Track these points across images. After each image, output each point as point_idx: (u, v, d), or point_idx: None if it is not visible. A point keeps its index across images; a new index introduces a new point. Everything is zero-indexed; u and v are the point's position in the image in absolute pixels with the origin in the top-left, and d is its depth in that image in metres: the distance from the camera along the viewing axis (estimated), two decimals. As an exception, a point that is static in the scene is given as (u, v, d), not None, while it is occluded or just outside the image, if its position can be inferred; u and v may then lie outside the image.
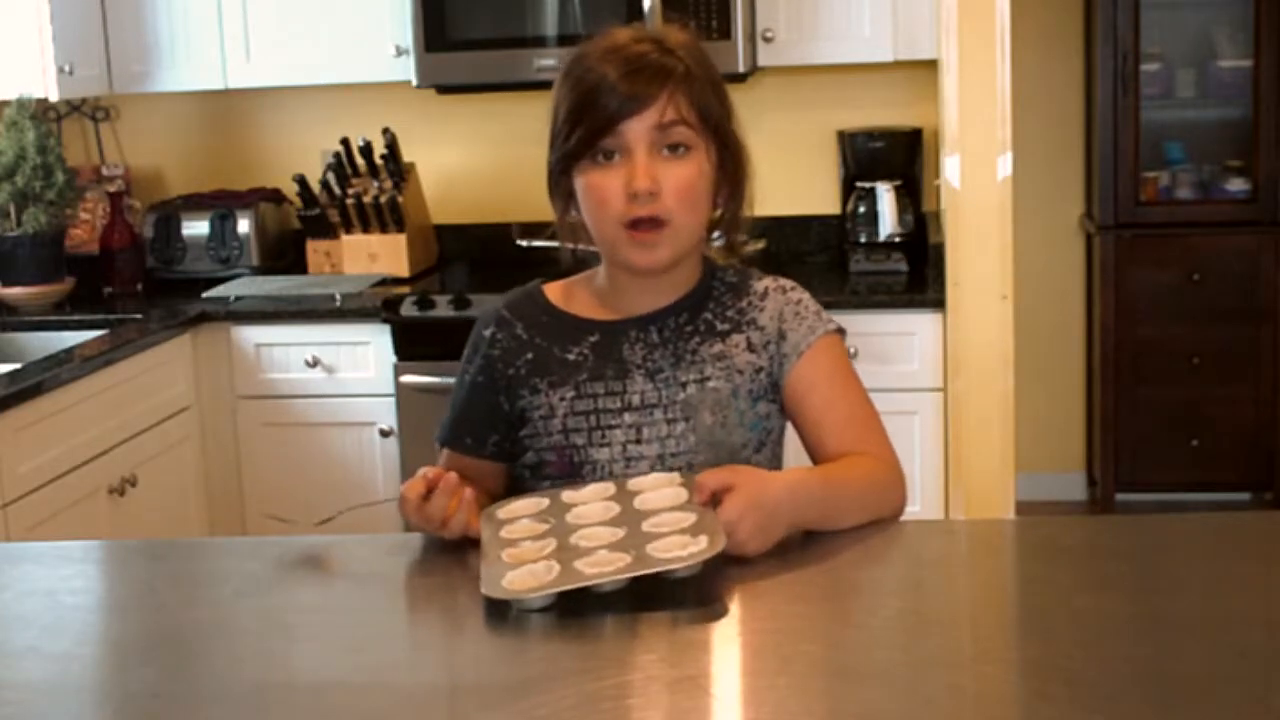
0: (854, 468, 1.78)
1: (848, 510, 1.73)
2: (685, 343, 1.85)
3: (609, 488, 1.73)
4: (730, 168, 1.84)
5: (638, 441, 1.81)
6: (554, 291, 1.93)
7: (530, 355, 1.87)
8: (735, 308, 1.87)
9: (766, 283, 1.91)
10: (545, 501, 1.72)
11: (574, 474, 1.82)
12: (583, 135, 1.76)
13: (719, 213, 1.87)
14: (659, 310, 1.86)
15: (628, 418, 1.82)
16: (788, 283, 1.92)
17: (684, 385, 1.82)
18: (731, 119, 1.84)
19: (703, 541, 1.54)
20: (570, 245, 1.89)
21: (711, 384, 1.83)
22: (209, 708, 1.37)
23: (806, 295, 1.91)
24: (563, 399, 1.83)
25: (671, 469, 1.80)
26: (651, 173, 1.75)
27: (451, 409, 1.94)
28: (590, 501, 1.69)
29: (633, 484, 1.73)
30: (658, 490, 1.69)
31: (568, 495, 1.73)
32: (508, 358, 1.87)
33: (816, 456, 1.84)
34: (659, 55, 1.77)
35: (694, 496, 1.64)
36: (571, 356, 1.85)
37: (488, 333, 1.90)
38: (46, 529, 3.07)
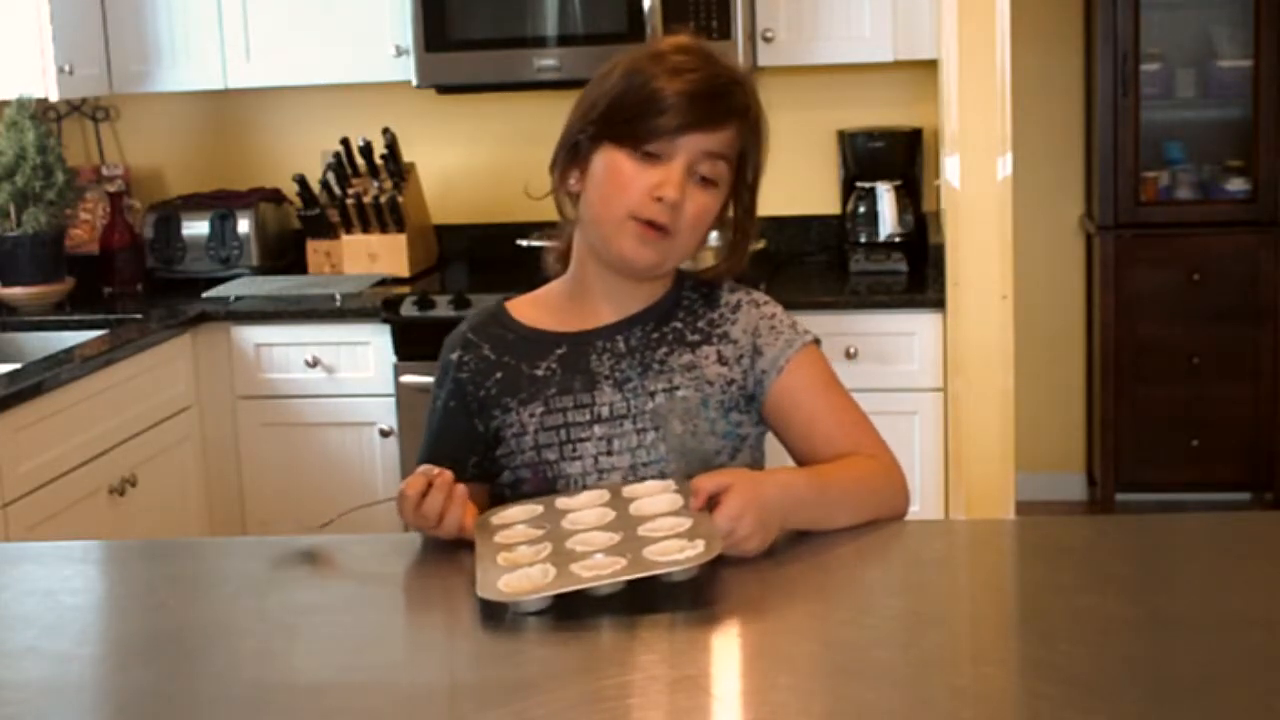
0: (848, 468, 1.78)
1: (841, 510, 1.73)
2: (653, 352, 1.84)
3: (604, 494, 1.72)
4: (740, 213, 1.84)
5: (609, 453, 1.81)
6: (518, 308, 1.92)
7: (499, 375, 1.86)
8: (706, 319, 1.87)
9: (739, 295, 1.90)
10: (539, 508, 1.72)
11: (549, 489, 1.81)
12: (637, 131, 1.74)
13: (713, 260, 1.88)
14: (625, 319, 1.86)
15: (598, 429, 1.81)
16: (760, 296, 1.91)
17: (652, 395, 1.82)
18: (759, 172, 1.84)
19: (699, 545, 1.53)
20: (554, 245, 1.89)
21: (680, 393, 1.82)
22: (209, 708, 1.37)
23: (780, 309, 1.90)
24: (533, 415, 1.83)
25: (643, 479, 1.79)
26: (683, 190, 1.75)
27: (426, 436, 1.93)
28: (585, 508, 1.69)
29: (628, 490, 1.72)
30: (653, 496, 1.69)
31: (562, 502, 1.72)
32: (477, 379, 1.87)
33: (810, 464, 1.82)
34: (733, 86, 1.78)
35: (690, 501, 1.64)
36: (540, 372, 1.84)
37: (454, 356, 1.89)
38: (46, 529, 3.07)
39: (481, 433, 1.87)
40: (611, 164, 1.77)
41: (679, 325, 1.86)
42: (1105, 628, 1.44)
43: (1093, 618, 1.46)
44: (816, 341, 1.88)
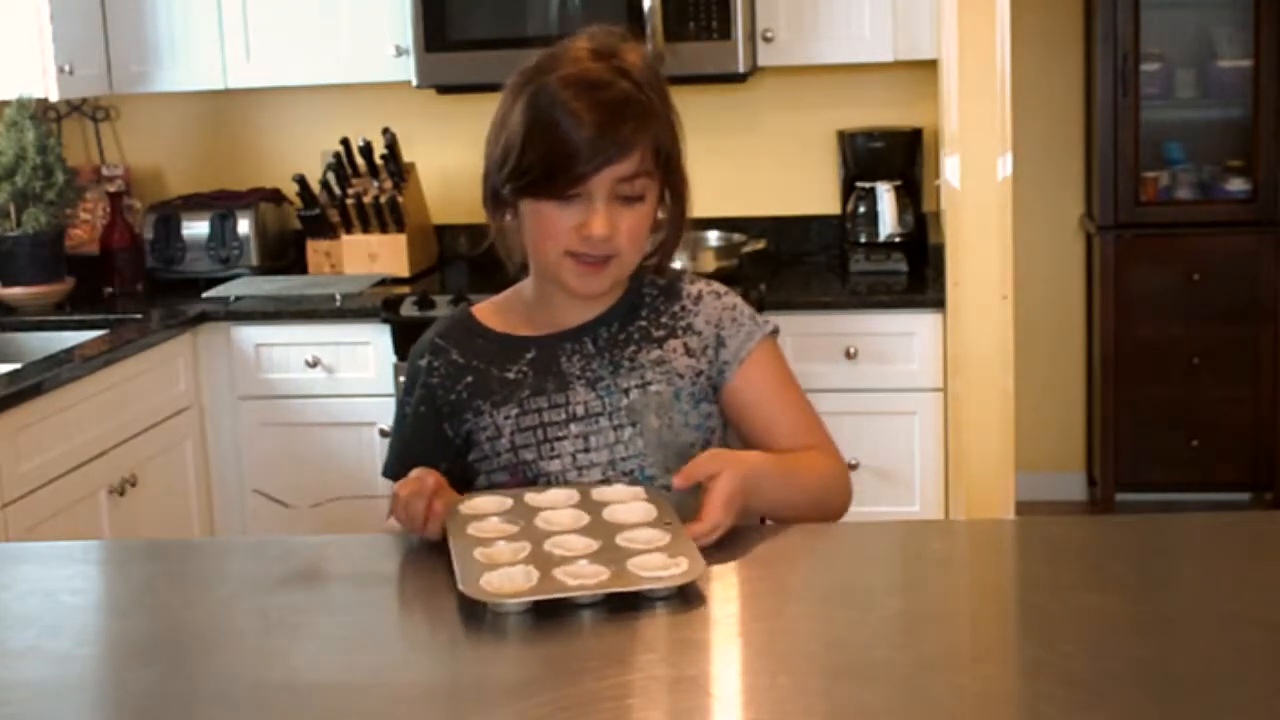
0: (811, 461, 1.82)
1: (798, 501, 1.78)
2: (621, 350, 1.86)
3: (573, 495, 1.73)
4: (674, 199, 1.85)
5: (586, 450, 1.82)
6: (484, 313, 1.94)
7: (470, 379, 1.87)
8: (669, 313, 1.89)
9: (699, 286, 1.92)
10: (509, 502, 1.72)
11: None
12: (552, 184, 1.74)
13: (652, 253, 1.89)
14: (590, 321, 1.87)
15: (574, 428, 1.83)
16: (720, 287, 1.94)
17: (626, 391, 1.84)
18: (681, 154, 1.84)
19: (683, 564, 1.54)
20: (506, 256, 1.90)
21: (654, 388, 1.84)
22: (209, 708, 1.37)
23: (739, 299, 1.93)
24: (507, 417, 1.84)
25: (623, 474, 1.81)
26: (609, 220, 1.76)
27: (395, 444, 1.94)
28: (557, 507, 1.69)
29: (597, 494, 1.73)
30: (626, 505, 1.69)
31: (531, 498, 1.73)
32: (447, 384, 1.88)
33: None
34: (634, 93, 1.76)
35: (662, 511, 1.66)
36: (511, 375, 1.86)
37: (423, 363, 1.91)
38: (46, 529, 3.07)
39: (450, 438, 1.88)
40: (536, 213, 1.79)
41: (644, 323, 1.88)
42: (1105, 628, 1.44)
43: (1093, 618, 1.46)
44: (775, 331, 1.91)
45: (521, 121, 1.77)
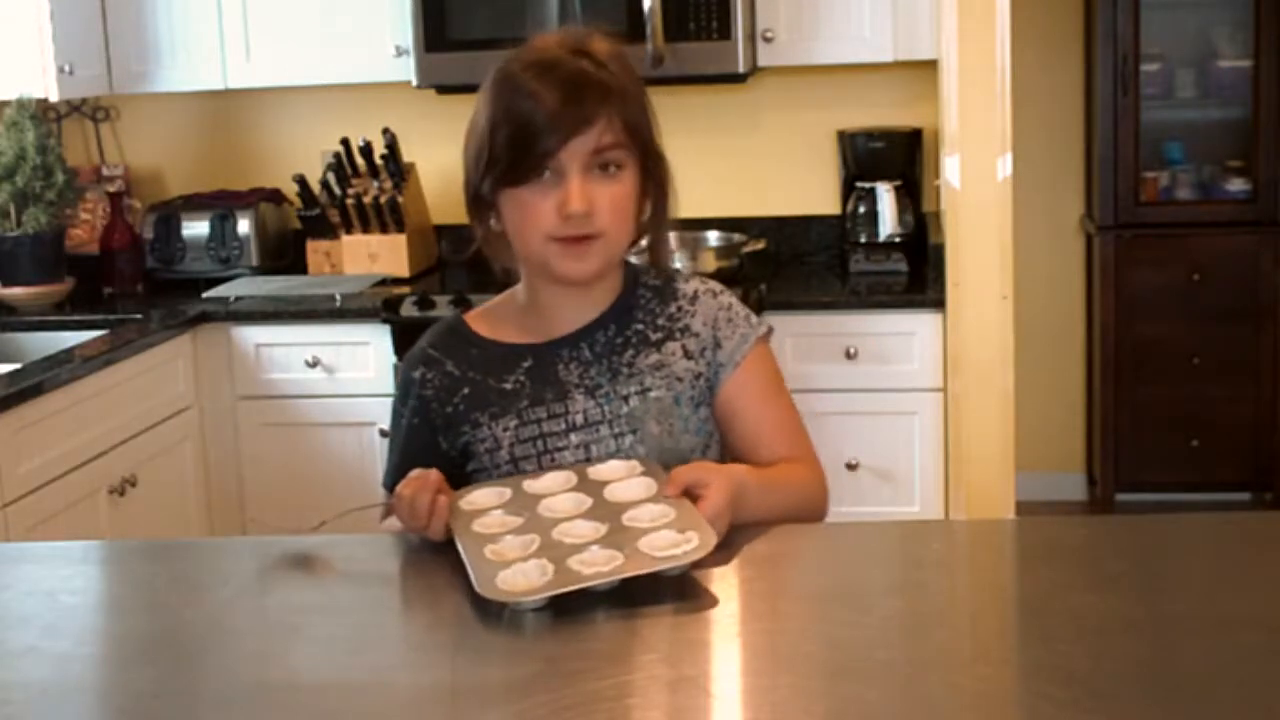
0: (790, 474, 1.82)
1: (778, 515, 1.77)
2: (619, 356, 1.84)
3: (571, 477, 1.73)
4: (654, 180, 1.84)
5: (587, 460, 1.81)
6: (477, 321, 1.92)
7: (466, 390, 1.85)
8: (664, 314, 1.87)
9: (695, 285, 1.91)
10: (507, 491, 1.72)
11: None
12: (521, 165, 1.74)
13: (642, 233, 1.88)
14: (586, 326, 1.86)
15: (574, 437, 1.82)
16: (716, 285, 1.92)
17: (625, 398, 1.82)
18: (655, 132, 1.84)
19: (693, 539, 1.54)
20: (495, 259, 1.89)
21: (654, 394, 1.83)
22: (209, 708, 1.37)
23: (734, 298, 1.92)
24: (506, 429, 1.83)
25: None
26: (586, 194, 1.74)
27: (393, 455, 1.93)
28: (555, 493, 1.69)
29: (593, 473, 1.73)
30: (624, 482, 1.70)
31: (529, 485, 1.72)
32: (442, 396, 1.86)
33: (748, 463, 1.84)
34: (594, 71, 1.77)
35: (663, 489, 1.66)
36: (508, 385, 1.84)
37: (417, 374, 1.89)
38: (46, 529, 3.07)
39: (445, 450, 1.87)
40: (515, 201, 1.77)
41: (640, 326, 1.86)
42: (1105, 628, 1.44)
43: (1093, 618, 1.46)
44: (769, 332, 1.90)
45: (487, 113, 1.78)
